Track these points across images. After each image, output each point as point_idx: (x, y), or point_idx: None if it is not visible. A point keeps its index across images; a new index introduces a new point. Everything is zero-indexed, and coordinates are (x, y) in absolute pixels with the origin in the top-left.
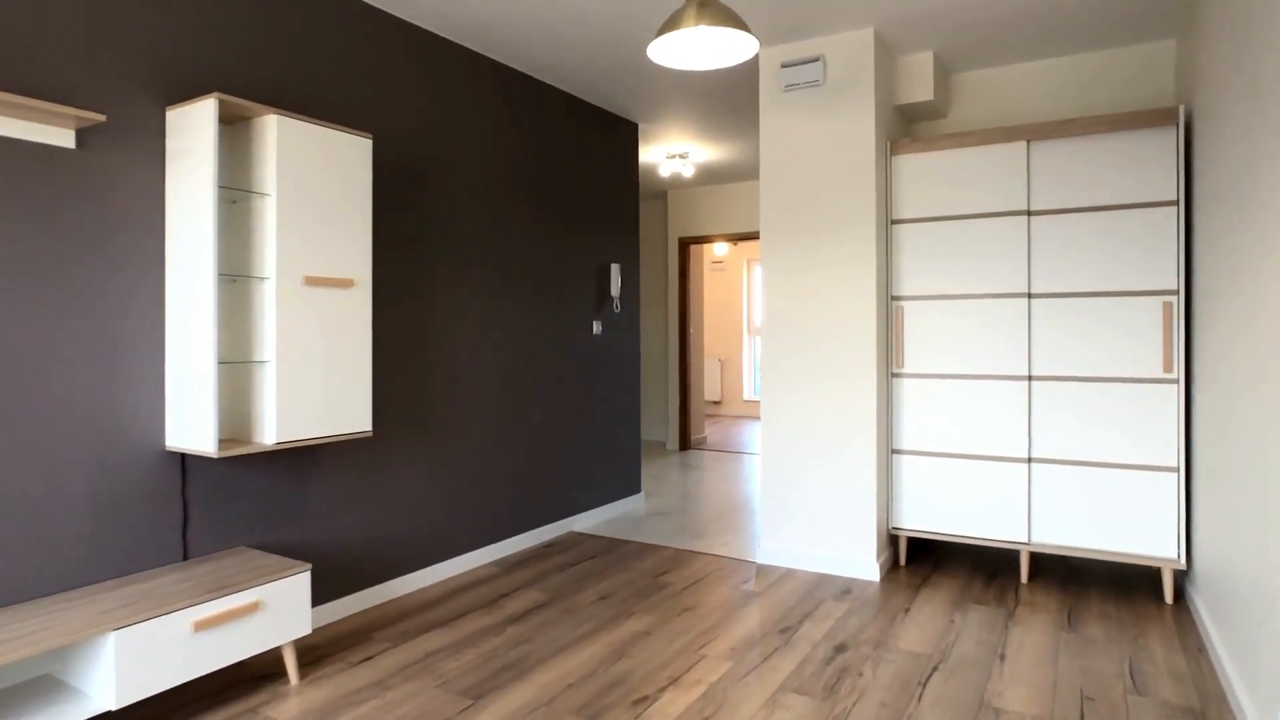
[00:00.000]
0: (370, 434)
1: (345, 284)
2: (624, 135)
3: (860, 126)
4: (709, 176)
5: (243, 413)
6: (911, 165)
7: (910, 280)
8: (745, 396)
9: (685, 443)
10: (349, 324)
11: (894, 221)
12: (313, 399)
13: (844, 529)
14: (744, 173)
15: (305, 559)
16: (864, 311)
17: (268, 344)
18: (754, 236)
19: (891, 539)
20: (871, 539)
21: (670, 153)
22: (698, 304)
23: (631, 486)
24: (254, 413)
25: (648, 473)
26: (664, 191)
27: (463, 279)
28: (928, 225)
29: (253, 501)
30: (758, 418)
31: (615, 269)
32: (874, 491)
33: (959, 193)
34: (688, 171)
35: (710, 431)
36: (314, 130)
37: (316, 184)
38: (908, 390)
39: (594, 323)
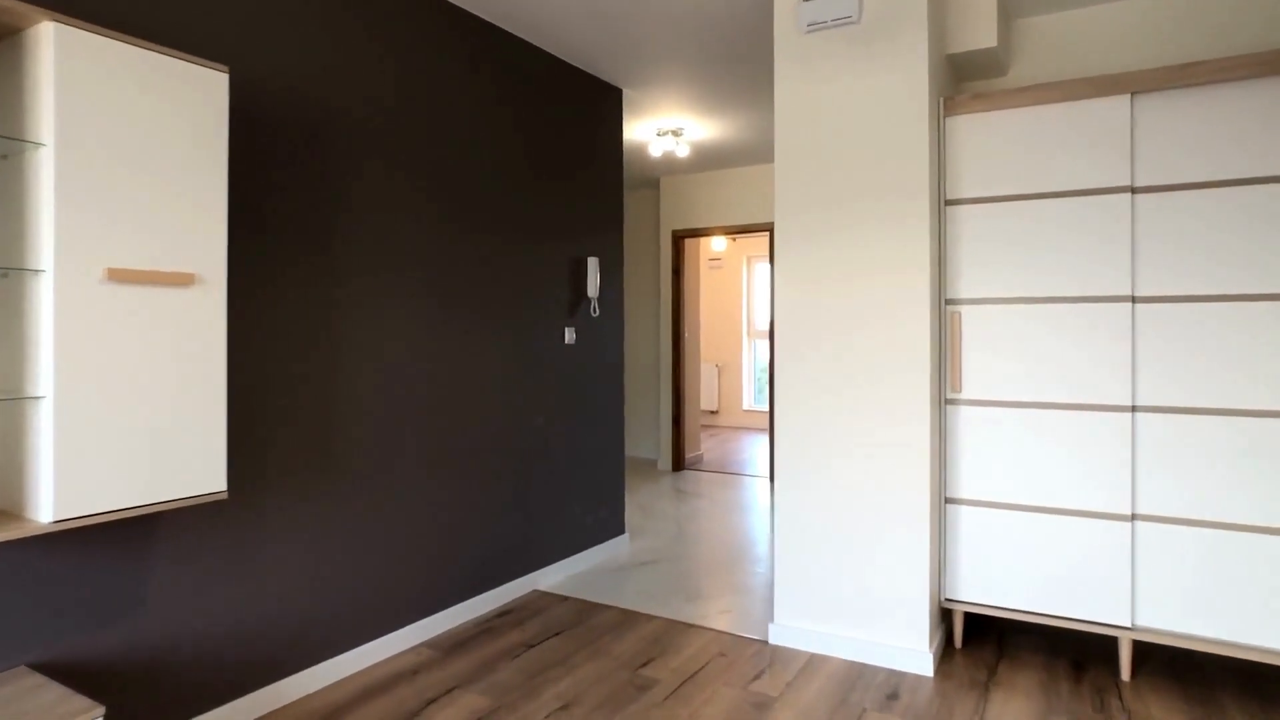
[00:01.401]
0: (224, 494)
1: (180, 281)
2: (607, 103)
3: (906, 78)
4: (706, 160)
5: (14, 472)
6: (972, 129)
7: (970, 278)
8: (745, 406)
9: (679, 462)
10: (189, 340)
11: (949, 202)
12: (125, 451)
13: (884, 602)
14: (747, 156)
15: (137, 670)
16: (909, 320)
17: (43, 371)
18: (758, 229)
19: (944, 613)
20: (923, 617)
21: (662, 128)
22: (693, 304)
23: (613, 527)
24: (26, 473)
25: (634, 501)
26: (655, 179)
27: (384, 277)
28: (994, 206)
29: (44, 599)
30: (759, 429)
31: (593, 264)
32: (925, 553)
33: (1036, 164)
34: (682, 151)
35: (707, 446)
36: (124, 52)
37: (134, 133)
38: (967, 421)
39: (566, 330)
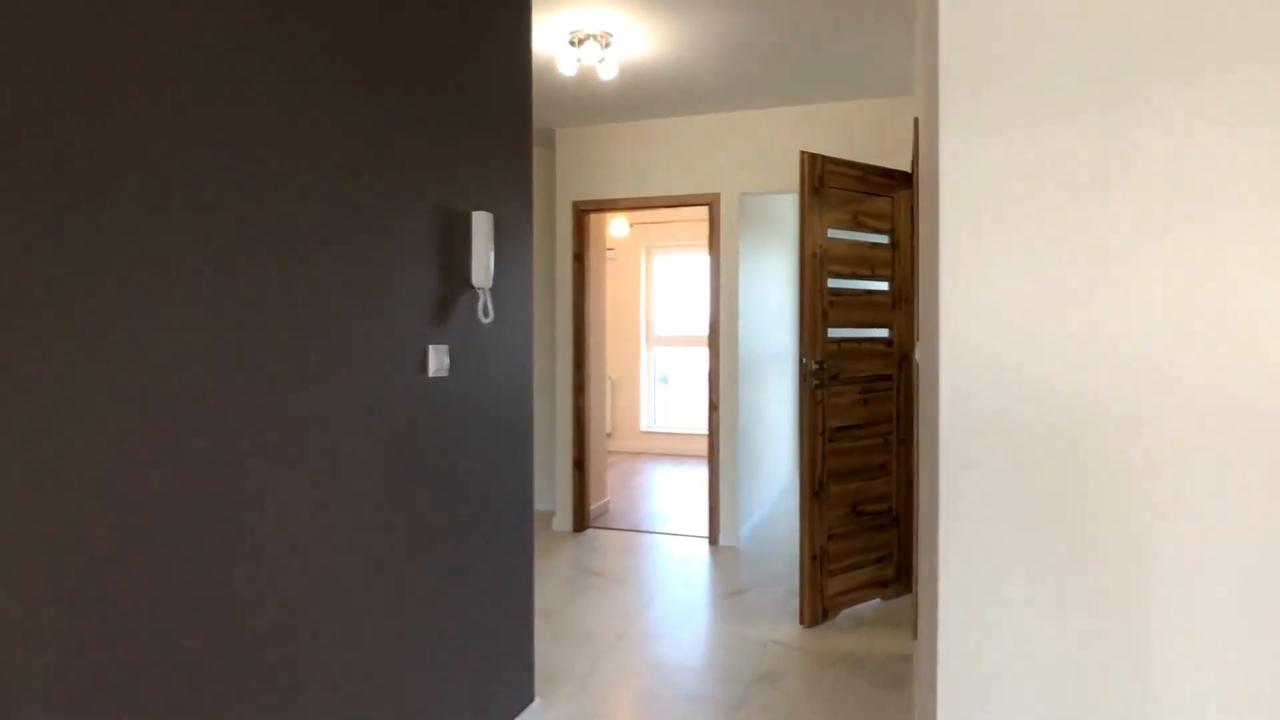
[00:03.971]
0: None
1: None
2: None
3: None
4: (631, 101)
5: None
6: None
7: None
8: (642, 427)
9: (581, 518)
10: None
11: None
12: None
13: None
14: (691, 97)
15: None
16: None
17: None
18: (694, 201)
19: None
20: None
21: (578, 32)
22: (598, 303)
23: (516, 693)
24: None
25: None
26: (549, 131)
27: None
28: None
29: None
30: (658, 455)
31: (482, 227)
32: None
33: None
34: (607, 72)
35: (609, 483)
36: None
37: None
38: None
39: (429, 350)
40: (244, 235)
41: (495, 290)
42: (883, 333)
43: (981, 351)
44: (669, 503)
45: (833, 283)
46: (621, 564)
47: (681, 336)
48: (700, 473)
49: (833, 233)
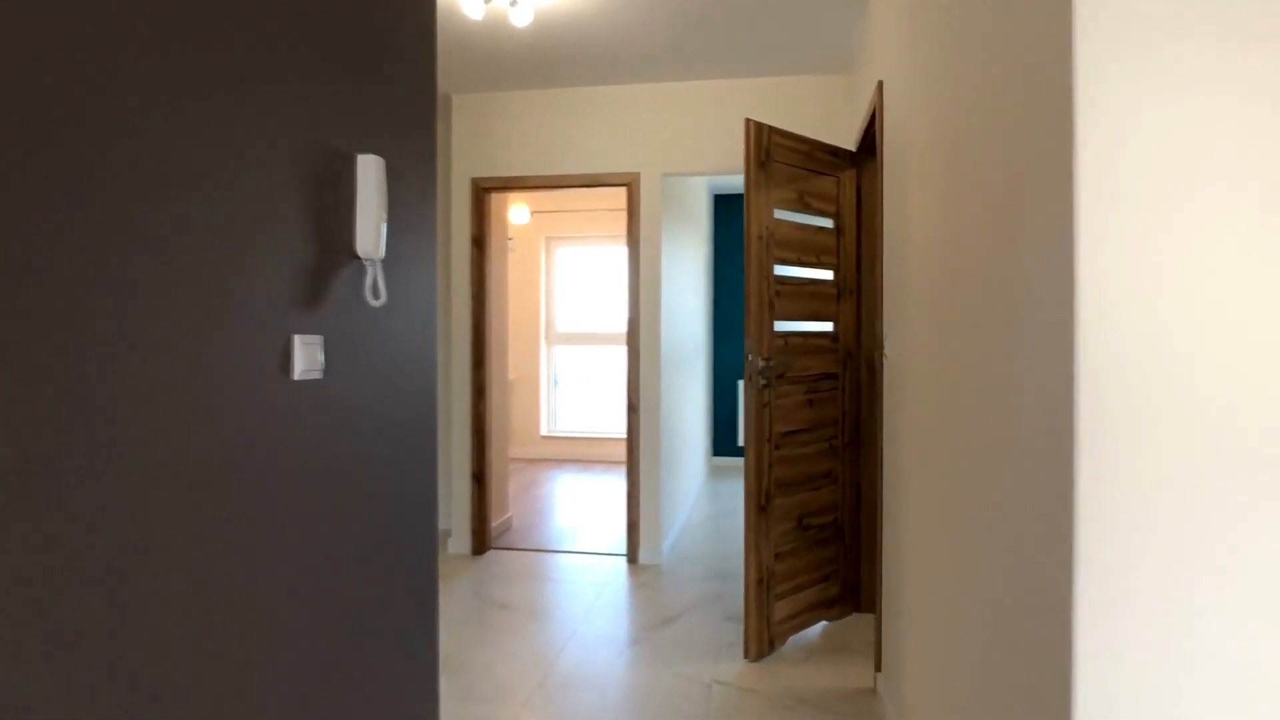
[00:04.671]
0: None
1: None
2: None
3: None
4: (543, 62)
5: None
6: None
7: None
8: (543, 431)
9: (482, 538)
10: None
11: None
12: None
13: None
14: (611, 58)
15: None
16: None
17: None
18: (611, 181)
19: None
20: None
21: None
22: (500, 294)
23: None
24: None
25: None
26: (445, 99)
27: None
28: None
29: None
30: (560, 461)
31: (370, 170)
32: None
33: None
34: (521, 18)
35: (510, 495)
36: None
37: None
38: None
39: (294, 343)
40: None
41: (389, 263)
42: (827, 326)
43: (1143, 334)
44: (578, 516)
45: (779, 269)
46: (531, 593)
47: (586, 334)
48: (608, 480)
49: (779, 214)
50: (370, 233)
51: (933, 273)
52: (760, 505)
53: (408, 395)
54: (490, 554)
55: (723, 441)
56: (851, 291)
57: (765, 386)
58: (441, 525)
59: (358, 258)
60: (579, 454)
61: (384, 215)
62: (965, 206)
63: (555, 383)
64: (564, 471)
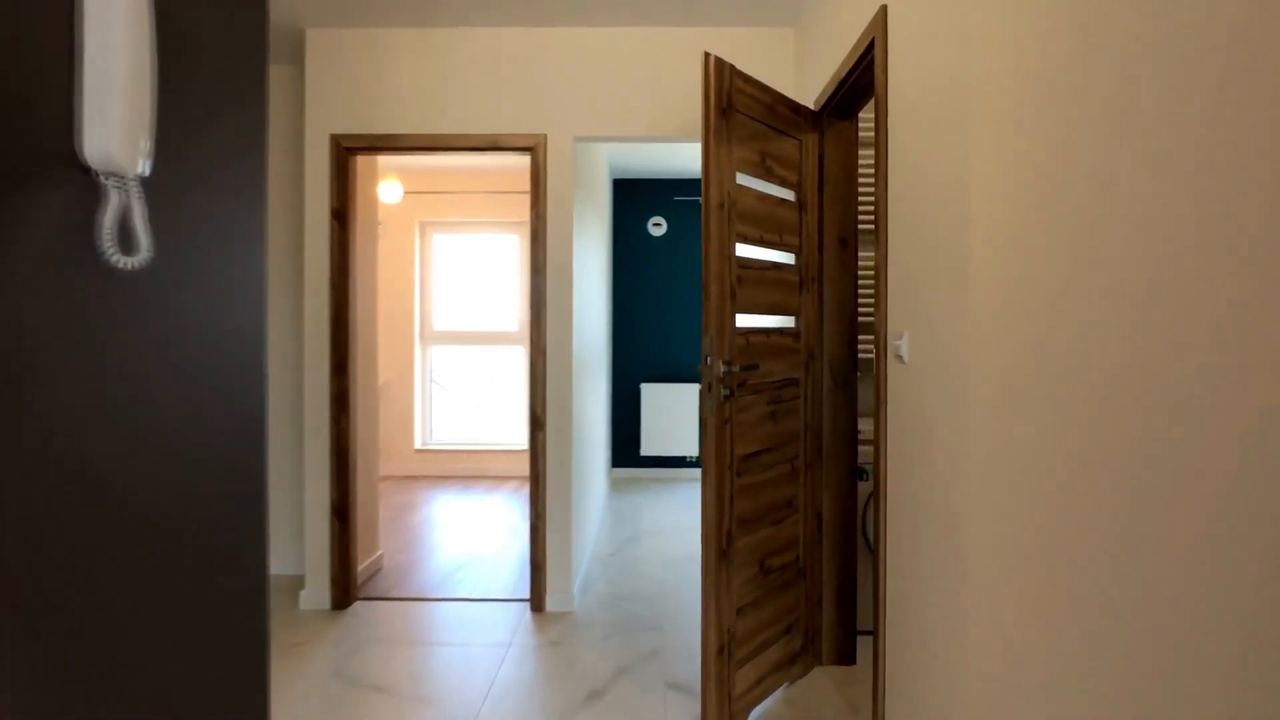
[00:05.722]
0: None
1: None
2: None
3: None
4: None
5: None
6: None
7: None
8: (418, 444)
9: (346, 589)
10: None
11: None
12: None
13: None
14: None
15: None
16: None
17: None
18: (512, 144)
19: None
20: None
21: None
22: (368, 281)
23: None
24: None
25: None
26: (298, 34)
27: None
28: None
29: None
30: (438, 479)
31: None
32: None
33: None
34: None
35: (380, 528)
36: None
37: None
38: None
39: None
40: None
41: (164, 188)
42: (789, 322)
43: None
44: (465, 549)
45: (741, 250)
46: (413, 664)
47: (467, 333)
48: (494, 501)
49: (741, 179)
50: (112, 124)
51: (1056, 247)
52: (721, 550)
53: (212, 415)
54: (357, 608)
55: (623, 452)
56: (814, 280)
57: (728, 398)
58: (292, 570)
59: (85, 171)
60: (460, 469)
61: (149, 93)
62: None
63: (434, 381)
64: (443, 491)
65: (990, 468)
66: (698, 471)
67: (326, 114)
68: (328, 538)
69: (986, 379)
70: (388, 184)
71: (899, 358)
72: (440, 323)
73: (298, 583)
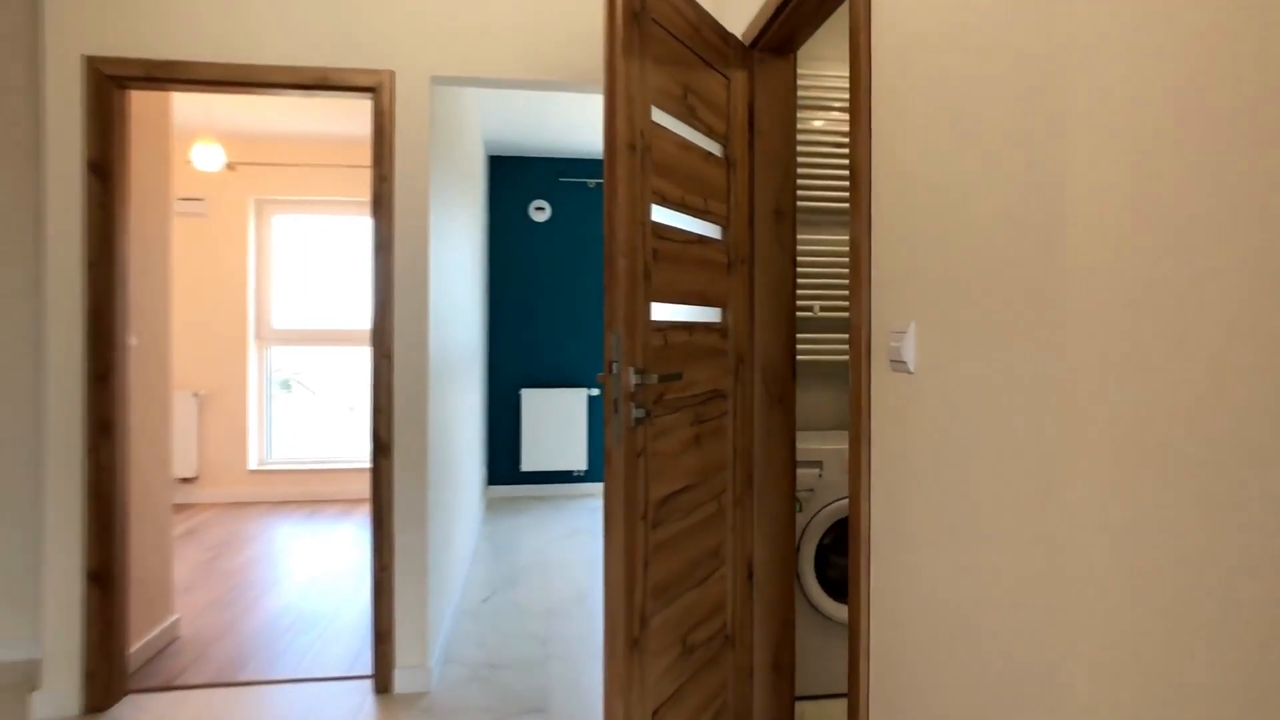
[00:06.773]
0: None
1: None
2: None
3: None
4: None
5: None
6: None
7: None
8: (251, 464)
9: (107, 680)
10: None
11: None
12: None
13: None
14: None
15: None
16: None
17: None
18: (345, 83)
19: None
20: None
21: None
22: (152, 260)
23: None
24: None
25: None
26: None
27: None
28: None
29: None
30: (279, 504)
31: None
32: None
33: None
34: None
35: (185, 569)
36: None
37: None
38: None
39: None
40: None
41: None
42: (715, 315)
43: None
44: (296, 600)
45: (658, 213)
46: None
47: (315, 332)
48: (348, 529)
49: (658, 116)
50: None
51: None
52: (632, 639)
53: None
54: (127, 705)
55: (501, 468)
56: (744, 261)
57: (641, 420)
58: (27, 655)
59: None
60: (306, 493)
61: None
62: None
63: (285, 385)
64: (283, 520)
65: (1112, 563)
66: (587, 487)
67: (75, 26)
68: (79, 612)
69: (1102, 409)
70: (205, 146)
71: (898, 364)
72: (281, 320)
73: (28, 671)
